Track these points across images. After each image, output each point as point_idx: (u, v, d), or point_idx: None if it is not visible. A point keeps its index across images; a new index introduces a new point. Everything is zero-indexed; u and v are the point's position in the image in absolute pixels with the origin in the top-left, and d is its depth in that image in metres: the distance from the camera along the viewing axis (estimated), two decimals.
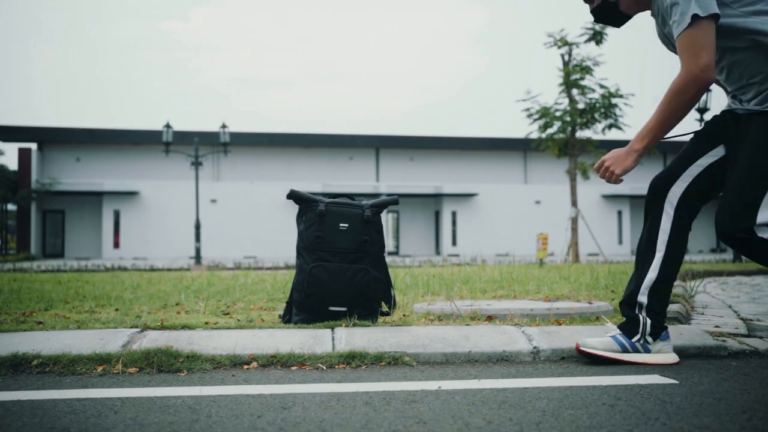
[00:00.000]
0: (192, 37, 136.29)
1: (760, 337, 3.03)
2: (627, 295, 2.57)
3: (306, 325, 2.96)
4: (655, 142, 2.41)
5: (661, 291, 2.53)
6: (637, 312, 2.53)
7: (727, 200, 2.38)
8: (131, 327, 2.96)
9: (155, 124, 53.30)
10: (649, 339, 2.52)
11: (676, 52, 2.42)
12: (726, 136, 2.48)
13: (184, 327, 2.95)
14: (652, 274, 2.51)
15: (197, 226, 21.98)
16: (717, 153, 2.49)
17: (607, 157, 2.51)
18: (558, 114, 15.64)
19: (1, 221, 30.39)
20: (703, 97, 14.60)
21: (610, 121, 15.48)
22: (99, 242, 29.62)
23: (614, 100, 15.34)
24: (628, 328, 2.55)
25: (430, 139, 33.41)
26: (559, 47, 15.70)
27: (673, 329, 3.00)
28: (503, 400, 2.02)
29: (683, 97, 2.30)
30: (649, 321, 2.51)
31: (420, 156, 33.54)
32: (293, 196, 3.13)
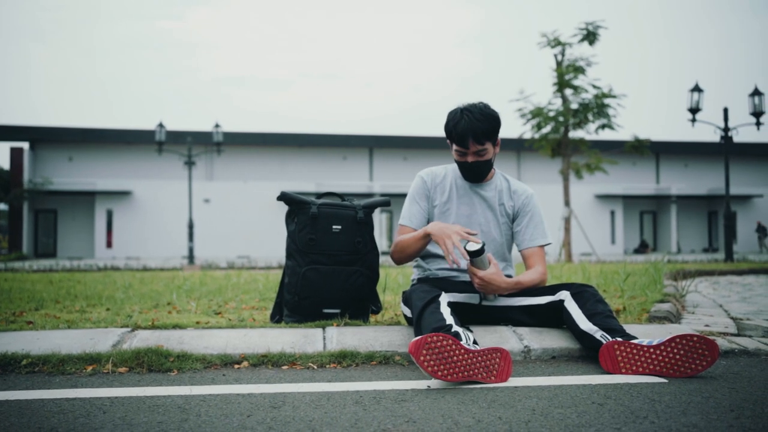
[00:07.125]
0: (187, 36, 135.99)
1: (750, 336, 3.05)
2: None
3: (297, 324, 2.95)
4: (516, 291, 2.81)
5: None
6: None
7: None
8: (122, 327, 2.95)
9: (150, 124, 53.10)
10: None
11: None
12: None
13: (175, 326, 2.94)
14: None
15: (190, 226, 21.93)
16: None
17: (489, 276, 2.67)
18: (551, 114, 15.67)
19: None
20: (695, 98, 14.62)
21: (603, 121, 15.53)
22: (91, 242, 29.50)
23: (607, 101, 15.38)
24: None
25: (424, 138, 33.40)
26: (553, 47, 15.73)
27: (663, 328, 3.02)
28: (493, 399, 2.02)
29: (538, 283, 2.84)
30: None
31: (413, 156, 33.49)
32: (284, 198, 3.04)
